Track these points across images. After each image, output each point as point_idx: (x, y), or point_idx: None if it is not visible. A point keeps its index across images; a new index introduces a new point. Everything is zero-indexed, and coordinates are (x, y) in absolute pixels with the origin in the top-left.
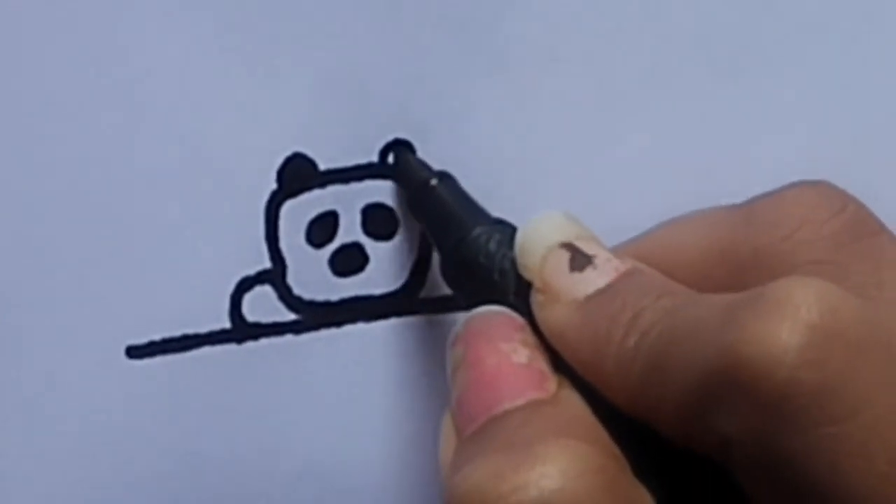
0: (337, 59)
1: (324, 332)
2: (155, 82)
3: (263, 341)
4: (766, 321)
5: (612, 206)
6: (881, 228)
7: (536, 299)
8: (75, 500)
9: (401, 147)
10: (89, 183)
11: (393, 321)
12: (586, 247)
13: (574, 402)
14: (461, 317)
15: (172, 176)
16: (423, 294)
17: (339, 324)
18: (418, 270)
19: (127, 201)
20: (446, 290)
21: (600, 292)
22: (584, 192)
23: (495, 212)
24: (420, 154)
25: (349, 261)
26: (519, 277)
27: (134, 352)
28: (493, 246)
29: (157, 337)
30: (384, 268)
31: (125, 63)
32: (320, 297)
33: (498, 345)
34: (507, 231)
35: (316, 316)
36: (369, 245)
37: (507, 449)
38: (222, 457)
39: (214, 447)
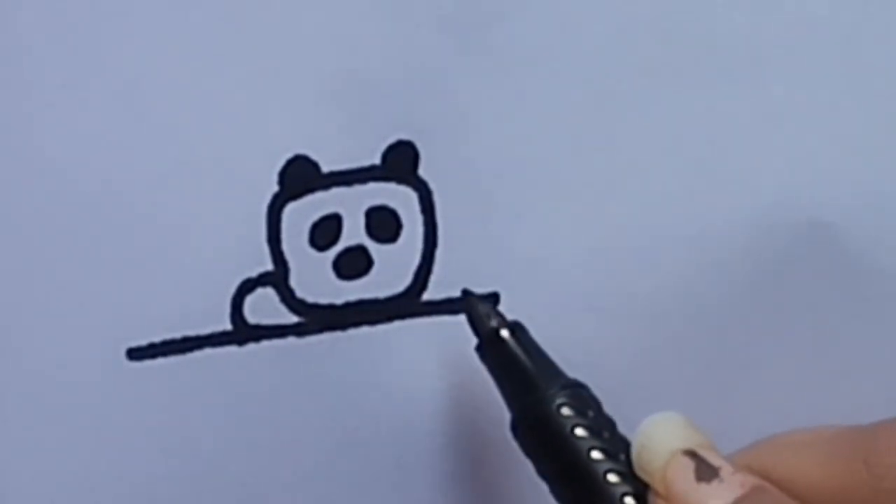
0: (339, 61)
1: (326, 335)
2: (156, 83)
3: (265, 343)
4: None
5: (613, 206)
6: None
7: None
8: (76, 501)
9: (471, 295)
10: (90, 184)
11: (396, 324)
12: (710, 457)
13: None
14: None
15: (174, 178)
16: (426, 296)
17: (342, 327)
18: (422, 273)
19: (128, 203)
20: (450, 293)
21: None
22: (585, 192)
23: (498, 214)
24: (423, 155)
25: (353, 264)
26: (626, 476)
27: (135, 353)
28: (577, 424)
29: (157, 339)
30: (388, 270)
31: (127, 63)
32: (324, 299)
33: None
34: (588, 400)
35: (319, 319)
36: (373, 248)
37: None
38: (223, 458)
39: (215, 449)
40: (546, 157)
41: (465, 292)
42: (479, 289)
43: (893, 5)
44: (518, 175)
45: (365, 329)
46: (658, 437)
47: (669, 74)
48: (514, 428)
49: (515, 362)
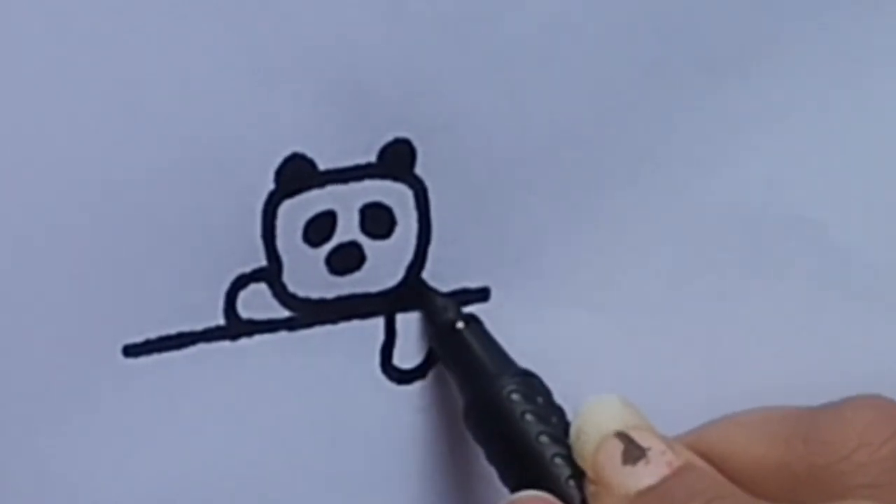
0: (336, 59)
1: (318, 329)
2: (153, 81)
3: (257, 338)
4: None
5: (605, 203)
6: None
7: (590, 489)
8: (72, 499)
9: (422, 283)
10: (87, 181)
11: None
12: (641, 438)
13: None
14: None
15: (171, 175)
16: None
17: (333, 321)
18: (414, 268)
19: (125, 199)
20: (441, 287)
21: (651, 489)
22: (577, 190)
23: (492, 211)
24: (420, 154)
25: (346, 259)
26: (572, 460)
27: (131, 350)
28: (526, 410)
29: (153, 335)
30: (381, 266)
31: (124, 61)
32: (315, 294)
33: None
34: (538, 388)
35: (311, 313)
36: (367, 244)
37: None
38: (218, 453)
39: (210, 444)
40: (541, 156)
41: (422, 285)
42: (471, 284)
43: (883, 3)
44: (513, 173)
45: (356, 323)
46: (592, 421)
47: (664, 73)
48: (466, 415)
49: (469, 353)
